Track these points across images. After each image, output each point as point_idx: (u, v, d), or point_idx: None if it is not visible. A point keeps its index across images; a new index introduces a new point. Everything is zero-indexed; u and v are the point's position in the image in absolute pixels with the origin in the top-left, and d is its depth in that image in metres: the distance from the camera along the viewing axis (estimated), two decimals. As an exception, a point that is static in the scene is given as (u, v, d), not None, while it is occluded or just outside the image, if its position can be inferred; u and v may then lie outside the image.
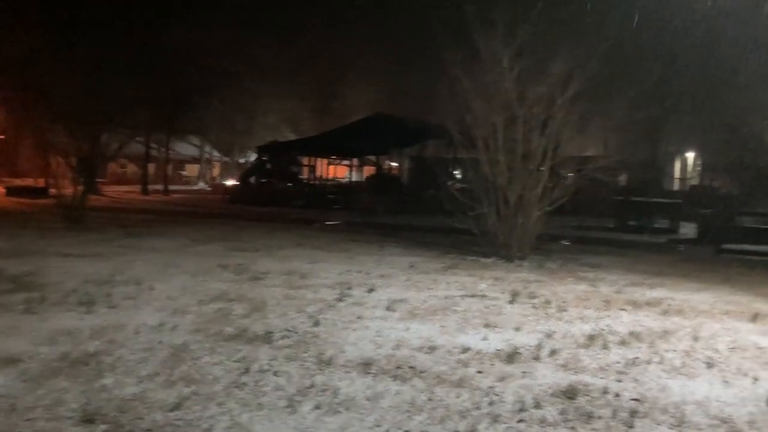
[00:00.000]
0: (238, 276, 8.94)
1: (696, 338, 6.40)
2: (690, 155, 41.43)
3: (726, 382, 5.10)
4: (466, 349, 5.66)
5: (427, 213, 14.55)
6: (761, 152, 28.88)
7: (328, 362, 5.14)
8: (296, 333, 5.98)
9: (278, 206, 24.16)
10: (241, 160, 52.98)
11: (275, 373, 4.82)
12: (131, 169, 46.53)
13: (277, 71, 39.12)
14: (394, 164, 34.27)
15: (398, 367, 5.11)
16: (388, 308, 7.21)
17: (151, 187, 33.87)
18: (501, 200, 11.80)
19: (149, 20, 28.57)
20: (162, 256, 10.65)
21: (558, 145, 12.13)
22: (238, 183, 31.91)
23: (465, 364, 5.25)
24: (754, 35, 22.35)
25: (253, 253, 11.29)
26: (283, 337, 5.80)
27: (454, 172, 23.48)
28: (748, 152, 28.76)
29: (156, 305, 6.94)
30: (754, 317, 7.55)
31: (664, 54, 23.37)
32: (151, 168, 40.51)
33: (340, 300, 7.54)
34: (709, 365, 5.50)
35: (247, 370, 4.85)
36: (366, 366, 5.10)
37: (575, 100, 11.75)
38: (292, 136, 43.26)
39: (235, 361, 5.05)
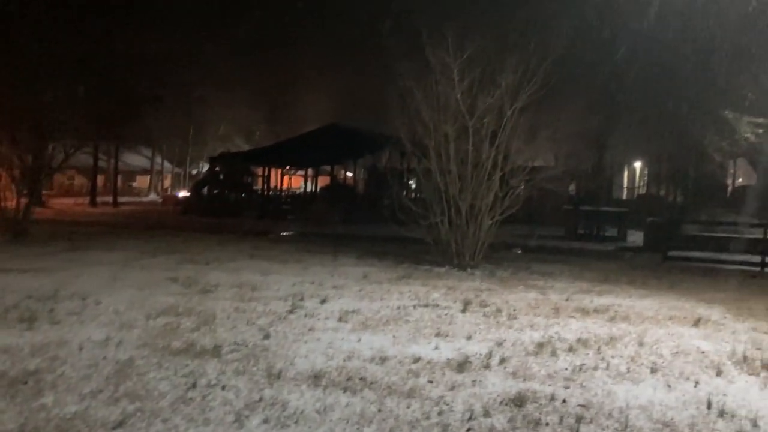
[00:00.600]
0: (188, 289, 8.77)
1: (641, 344, 6.55)
2: (637, 165, 42.60)
3: (669, 386, 5.23)
4: (417, 359, 5.68)
5: (381, 223, 14.55)
6: (704, 162, 29.93)
7: (278, 375, 5.08)
8: (246, 346, 5.89)
9: (231, 217, 23.90)
10: (193, 171, 52.26)
11: (223, 388, 4.74)
12: (79, 180, 45.40)
13: (229, 81, 38.81)
14: (348, 174, 34.29)
15: (349, 379, 5.08)
16: (341, 319, 7.18)
17: (99, 198, 33.09)
18: (453, 210, 11.92)
19: (98, 28, 27.97)
20: (109, 269, 10.38)
21: (508, 155, 12.32)
22: (189, 194, 31.44)
23: (416, 374, 5.26)
24: (697, 48, 23.18)
25: (203, 266, 11.11)
26: (232, 351, 5.71)
27: (408, 182, 23.63)
28: (692, 162, 29.78)
29: (102, 320, 6.76)
30: (697, 322, 7.78)
31: (610, 66, 23.98)
32: (100, 179, 39.58)
33: (291, 312, 7.47)
34: (654, 370, 5.63)
35: (194, 385, 4.75)
36: (316, 378, 5.05)
37: (524, 111, 11.97)
38: (244, 147, 42.91)
39: (182, 376, 4.95)
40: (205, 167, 40.15)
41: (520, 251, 15.86)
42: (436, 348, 6.10)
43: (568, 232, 21.31)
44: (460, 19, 12.20)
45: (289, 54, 38.12)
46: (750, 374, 5.64)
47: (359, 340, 6.28)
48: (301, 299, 8.24)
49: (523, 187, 12.95)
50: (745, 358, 6.11)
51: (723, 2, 16.80)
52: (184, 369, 5.12)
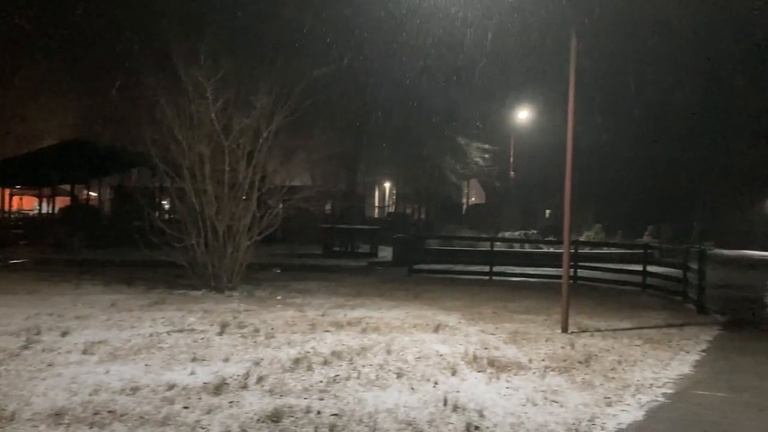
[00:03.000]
0: None
1: (389, 352, 7.06)
2: (387, 185, 45.63)
3: (412, 388, 5.72)
4: (172, 386, 5.49)
5: (131, 246, 13.66)
6: (443, 183, 33.19)
7: (11, 418, 4.57)
8: (-31, 390, 5.19)
9: (-53, 245, 20.65)
10: None
11: (-61, 440, 4.14)
12: None
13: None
14: (92, 194, 31.70)
15: (96, 413, 4.75)
16: (85, 351, 6.65)
17: None
18: (209, 231, 11.68)
19: None
20: None
21: (265, 175, 12.45)
22: None
23: (171, 402, 5.09)
24: (436, 80, 25.72)
25: None
26: (-50, 397, 4.99)
27: (162, 203, 22.60)
28: (433, 183, 32.85)
29: None
30: (437, 328, 8.59)
31: (360, 92, 25.52)
32: None
33: (26, 347, 6.73)
34: (399, 375, 6.11)
35: None
36: (58, 416, 4.65)
37: (280, 133, 12.21)
38: (-36, 163, 37.42)
39: None
40: None
41: (279, 270, 16.04)
42: (192, 373, 5.96)
43: (325, 249, 22.11)
44: (214, 38, 12.07)
45: (22, 62, 34.19)
46: (479, 371, 6.40)
47: (107, 372, 5.89)
48: (38, 333, 7.46)
49: (281, 206, 13.17)
50: (475, 358, 6.91)
51: (457, 41, 18.90)
52: None
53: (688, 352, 7.93)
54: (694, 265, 12.10)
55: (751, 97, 31.16)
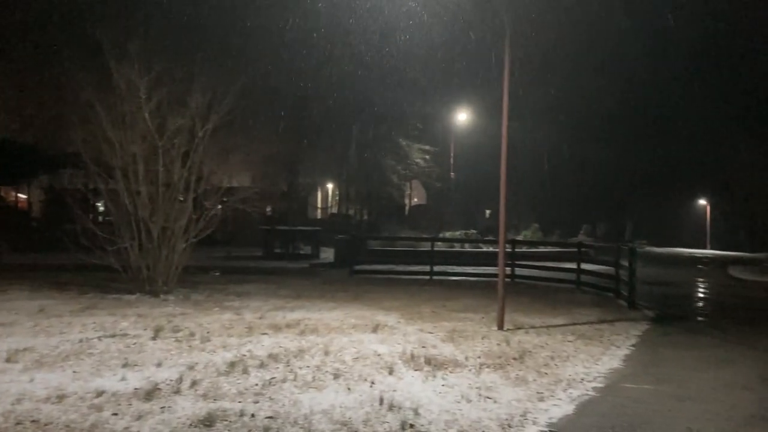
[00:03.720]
0: None
1: (327, 353, 7.03)
2: (330, 186, 45.48)
3: (349, 389, 5.71)
4: (101, 393, 5.33)
5: (62, 250, 13.17)
6: (386, 184, 33.34)
7: (-76, 432, 4.35)
8: None
9: None
10: None
11: None
12: None
13: None
14: (21, 196, 30.49)
15: (18, 423, 4.58)
16: (9, 360, 6.38)
17: None
18: (144, 233, 11.39)
19: None
20: None
21: (201, 176, 12.21)
22: None
23: (99, 409, 4.94)
24: (375, 81, 25.85)
25: None
26: None
27: (96, 204, 21.92)
28: (375, 183, 32.96)
29: None
30: (376, 328, 8.61)
31: (299, 93, 25.39)
32: None
33: (-57, 357, 6.42)
34: (336, 376, 6.09)
35: None
36: (-24, 429, 4.45)
37: (216, 133, 11.99)
38: None
39: None
40: None
41: (218, 273, 15.78)
42: (123, 379, 5.80)
43: (266, 251, 21.88)
44: (146, 36, 11.78)
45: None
46: (416, 370, 6.44)
47: (32, 380, 5.67)
48: (-43, 342, 7.12)
49: (219, 208, 12.94)
50: (412, 357, 6.95)
51: (395, 42, 19.05)
52: None
53: (618, 347, 8.20)
54: (626, 263, 12.51)
55: (682, 102, 32.57)
